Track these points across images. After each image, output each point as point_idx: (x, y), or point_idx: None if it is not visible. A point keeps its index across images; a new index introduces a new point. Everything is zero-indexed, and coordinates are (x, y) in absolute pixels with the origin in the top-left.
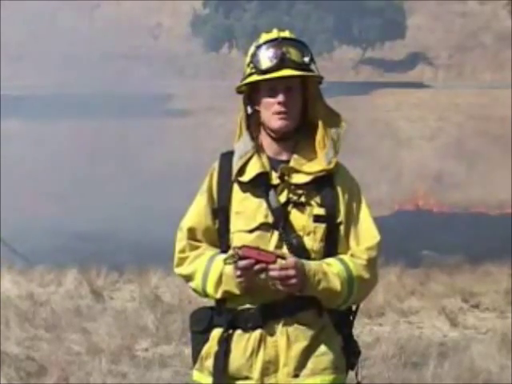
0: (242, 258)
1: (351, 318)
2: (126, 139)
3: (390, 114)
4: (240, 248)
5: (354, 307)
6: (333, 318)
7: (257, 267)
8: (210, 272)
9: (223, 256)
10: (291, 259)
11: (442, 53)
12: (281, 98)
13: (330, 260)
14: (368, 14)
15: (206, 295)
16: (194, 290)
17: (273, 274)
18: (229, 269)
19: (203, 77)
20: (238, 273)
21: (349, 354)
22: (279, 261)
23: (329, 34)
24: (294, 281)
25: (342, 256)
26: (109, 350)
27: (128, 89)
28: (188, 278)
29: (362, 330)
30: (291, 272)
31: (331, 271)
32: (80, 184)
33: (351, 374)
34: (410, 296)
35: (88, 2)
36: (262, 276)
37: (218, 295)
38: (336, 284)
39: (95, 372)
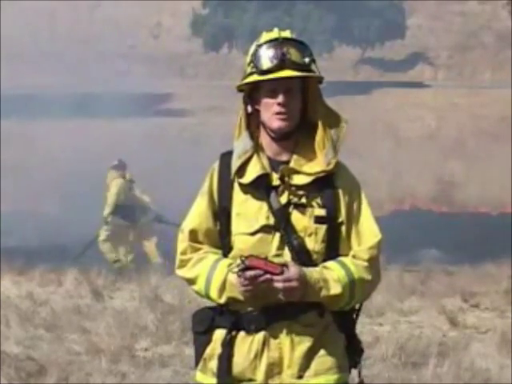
0: (248, 267)
1: (354, 316)
2: (126, 139)
3: (390, 114)
4: (247, 257)
5: (357, 306)
6: (336, 318)
7: (262, 278)
8: (213, 278)
9: (226, 261)
10: (294, 270)
11: (442, 53)
12: (281, 98)
13: (331, 264)
14: (368, 14)
15: (209, 299)
16: (197, 293)
17: (277, 285)
18: (232, 276)
19: (203, 77)
20: (245, 282)
21: (352, 353)
22: (285, 270)
23: (329, 33)
24: (296, 292)
25: (343, 259)
26: (109, 350)
27: (128, 89)
28: (191, 282)
29: (361, 330)
30: (294, 284)
31: (332, 277)
32: (80, 184)
33: (353, 372)
34: (409, 296)
35: (88, 2)
36: (264, 285)
37: (222, 301)
38: (337, 290)
39: (95, 372)
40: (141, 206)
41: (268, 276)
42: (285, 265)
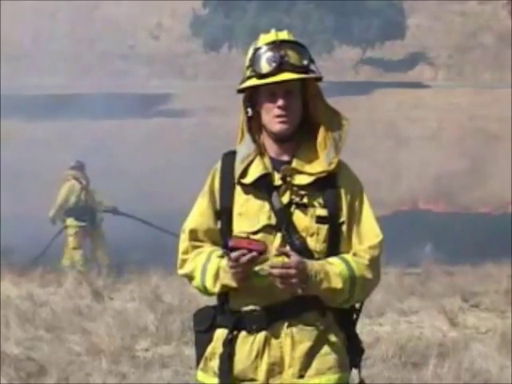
0: (232, 248)
1: (355, 316)
2: (126, 140)
3: (390, 114)
4: (231, 239)
5: (357, 305)
6: (337, 317)
7: (248, 256)
8: (207, 267)
9: (220, 251)
10: (294, 258)
11: (442, 53)
12: (280, 102)
13: (332, 259)
14: (368, 14)
15: (206, 291)
16: (197, 289)
17: (274, 271)
18: (225, 262)
19: (203, 77)
20: (231, 264)
21: (352, 353)
22: (282, 258)
23: (329, 33)
24: (294, 280)
25: (344, 255)
26: (109, 351)
27: (128, 89)
28: (190, 277)
29: (361, 330)
30: (292, 271)
31: (333, 271)
32: None
33: (354, 372)
34: (409, 296)
35: (88, 2)
36: (257, 268)
37: (217, 289)
38: (338, 283)
39: (95, 372)
40: (97, 207)
41: (254, 254)
42: (286, 253)
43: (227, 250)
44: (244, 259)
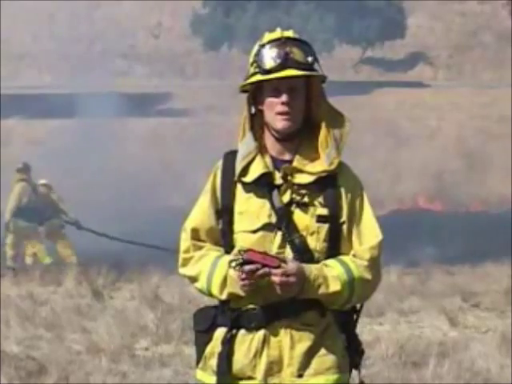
0: (246, 261)
1: (355, 317)
2: (126, 139)
3: (390, 114)
4: (245, 251)
5: (358, 306)
6: (336, 318)
7: (260, 272)
8: (214, 274)
9: (228, 257)
10: (292, 265)
11: (442, 52)
12: (284, 98)
13: (330, 262)
14: (368, 14)
15: (211, 296)
16: (200, 291)
17: (274, 278)
18: (233, 271)
19: (203, 76)
20: (243, 276)
21: (352, 354)
22: (283, 265)
23: (329, 33)
24: (293, 287)
25: (343, 257)
26: (109, 350)
27: (128, 88)
28: (193, 279)
29: (362, 330)
30: (292, 279)
31: (331, 274)
32: (80, 184)
33: (354, 373)
34: (410, 296)
35: (88, 2)
36: (265, 279)
37: (223, 297)
38: (336, 287)
39: (95, 371)
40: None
41: (266, 270)
42: (283, 260)
43: (241, 261)
44: (256, 274)
